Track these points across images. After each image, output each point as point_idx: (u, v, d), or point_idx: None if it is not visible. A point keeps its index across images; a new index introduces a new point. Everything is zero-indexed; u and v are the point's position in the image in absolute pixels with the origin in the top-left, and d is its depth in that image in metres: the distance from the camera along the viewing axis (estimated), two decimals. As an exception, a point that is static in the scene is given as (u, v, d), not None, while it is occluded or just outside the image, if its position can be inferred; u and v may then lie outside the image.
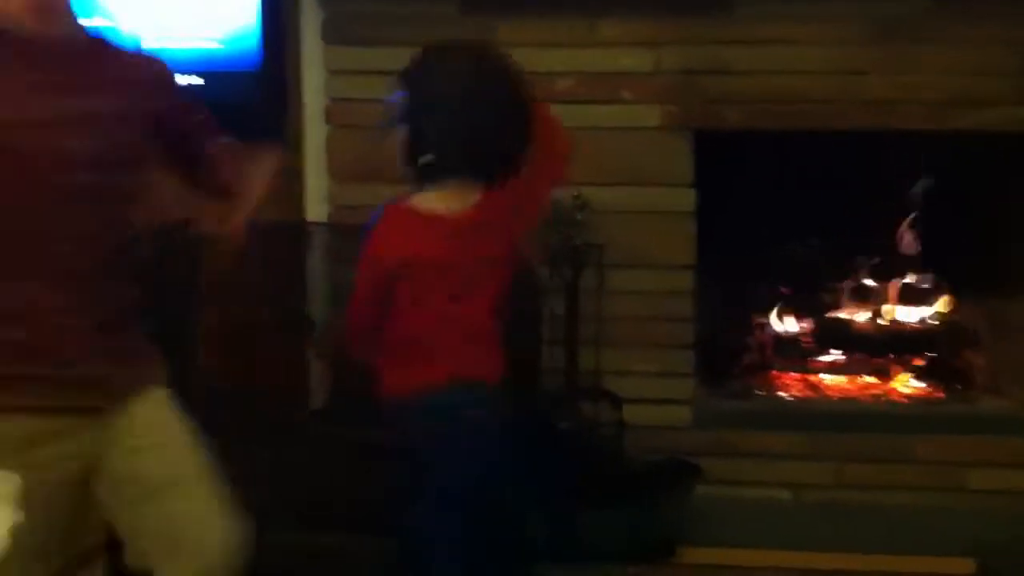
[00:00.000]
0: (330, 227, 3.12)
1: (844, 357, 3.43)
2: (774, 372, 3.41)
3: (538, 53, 2.96)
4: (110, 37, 1.88)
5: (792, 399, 3.28)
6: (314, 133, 3.15)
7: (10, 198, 1.66)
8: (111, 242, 1.78)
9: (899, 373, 3.37)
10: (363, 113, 3.06)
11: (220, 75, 3.05)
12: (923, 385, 3.33)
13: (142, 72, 1.85)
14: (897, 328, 3.41)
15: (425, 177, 2.14)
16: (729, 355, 3.37)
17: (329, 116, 3.10)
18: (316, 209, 3.16)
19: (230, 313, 2.94)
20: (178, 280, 2.84)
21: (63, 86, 1.71)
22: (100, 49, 1.82)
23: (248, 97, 3.06)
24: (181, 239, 2.54)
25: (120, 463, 1.82)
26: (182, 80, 3.05)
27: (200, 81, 3.06)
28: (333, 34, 3.07)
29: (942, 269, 3.37)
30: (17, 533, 1.70)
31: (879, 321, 3.43)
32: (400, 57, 2.99)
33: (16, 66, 1.69)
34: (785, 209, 3.23)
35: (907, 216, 3.36)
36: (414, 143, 2.15)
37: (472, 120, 2.08)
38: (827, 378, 3.40)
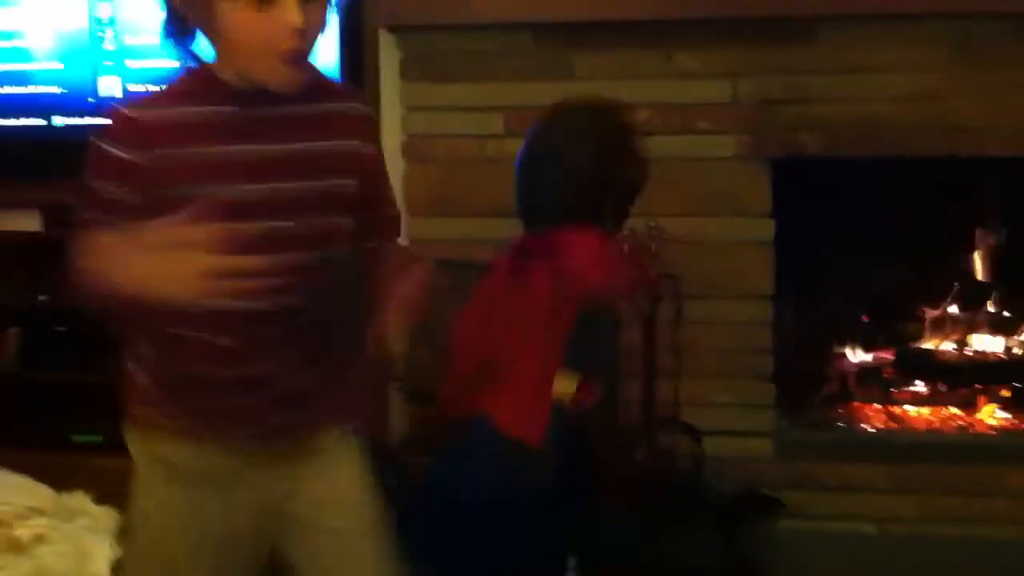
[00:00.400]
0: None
1: (927, 388, 3.38)
2: (855, 403, 3.36)
3: (614, 84, 2.98)
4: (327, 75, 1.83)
5: (875, 430, 3.24)
6: (392, 168, 3.18)
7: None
8: (326, 283, 1.74)
9: (985, 404, 3.31)
10: (440, 148, 3.12)
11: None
12: (1009, 416, 3.26)
13: (356, 113, 1.79)
14: (982, 358, 3.35)
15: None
16: (809, 386, 3.33)
17: (406, 151, 3.14)
18: (394, 243, 3.19)
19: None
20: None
21: (285, 134, 1.67)
22: (322, 89, 1.75)
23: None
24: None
25: (306, 510, 1.80)
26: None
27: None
28: (411, 71, 3.11)
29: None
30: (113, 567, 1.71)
31: (963, 350, 3.37)
32: (476, 92, 3.07)
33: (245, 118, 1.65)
34: (866, 237, 3.20)
35: (990, 243, 3.31)
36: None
37: (530, 175, 2.23)
38: (910, 409, 3.34)
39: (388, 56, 3.16)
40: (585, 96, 2.39)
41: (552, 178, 2.19)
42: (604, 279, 2.17)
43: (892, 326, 3.42)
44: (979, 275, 3.34)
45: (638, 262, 2.24)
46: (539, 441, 2.12)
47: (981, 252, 3.32)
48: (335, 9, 1.70)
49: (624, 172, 2.19)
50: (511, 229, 3.08)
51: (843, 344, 3.41)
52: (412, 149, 3.13)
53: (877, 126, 2.93)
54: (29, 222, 3.38)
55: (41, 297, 3.37)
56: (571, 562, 2.43)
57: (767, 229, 3.03)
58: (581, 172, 2.17)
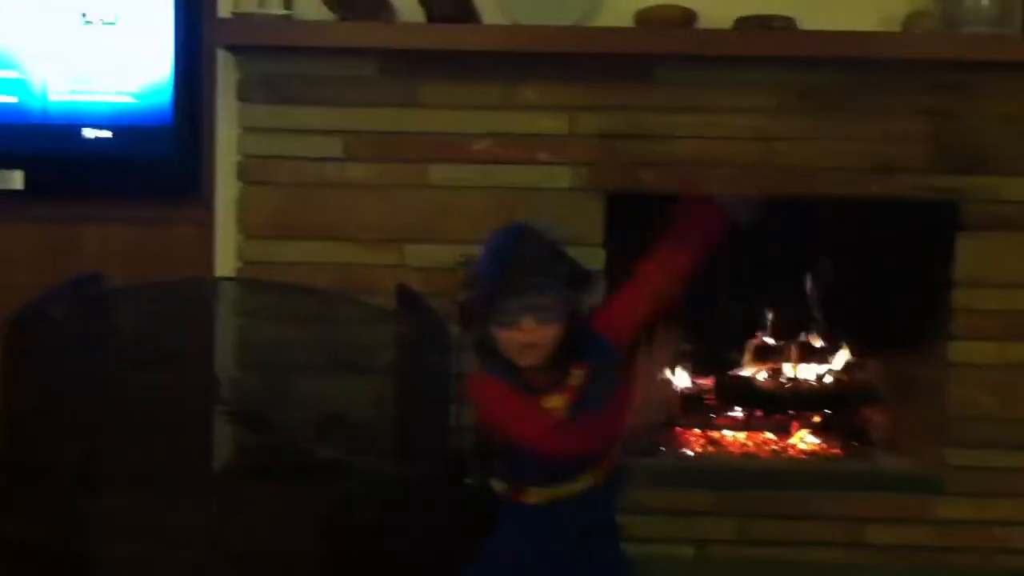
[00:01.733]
0: (239, 282, 3.10)
1: (745, 414, 3.51)
2: (678, 429, 3.47)
3: (456, 115, 3.01)
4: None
5: (696, 456, 3.34)
6: (227, 189, 3.13)
7: None
8: None
9: (798, 430, 3.46)
10: (278, 171, 3.07)
11: (133, 129, 3.04)
12: (819, 442, 3.40)
13: None
14: (798, 385, 3.50)
15: None
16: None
17: (242, 173, 3.08)
18: (228, 264, 3.13)
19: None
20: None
21: None
22: None
23: (161, 152, 3.05)
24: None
25: None
26: (92, 133, 3.06)
27: (111, 135, 3.04)
28: (249, 92, 3.05)
29: (843, 328, 3.47)
30: None
31: (779, 379, 3.51)
32: (317, 116, 3.04)
33: None
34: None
35: (812, 277, 3.46)
36: None
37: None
38: (729, 435, 3.47)
39: (226, 75, 3.10)
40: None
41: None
42: None
43: (715, 354, 3.54)
44: (801, 307, 3.49)
45: None
46: None
47: (804, 286, 3.47)
48: None
49: None
50: (348, 254, 3.09)
51: (668, 371, 3.52)
52: (249, 170, 3.07)
53: (710, 164, 3.01)
54: None
55: None
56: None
57: (598, 259, 3.09)
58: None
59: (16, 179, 3.11)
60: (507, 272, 2.08)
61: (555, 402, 2.11)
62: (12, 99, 3.08)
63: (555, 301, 2.08)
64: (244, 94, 3.05)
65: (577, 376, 2.13)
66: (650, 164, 3.03)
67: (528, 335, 2.06)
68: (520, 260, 2.09)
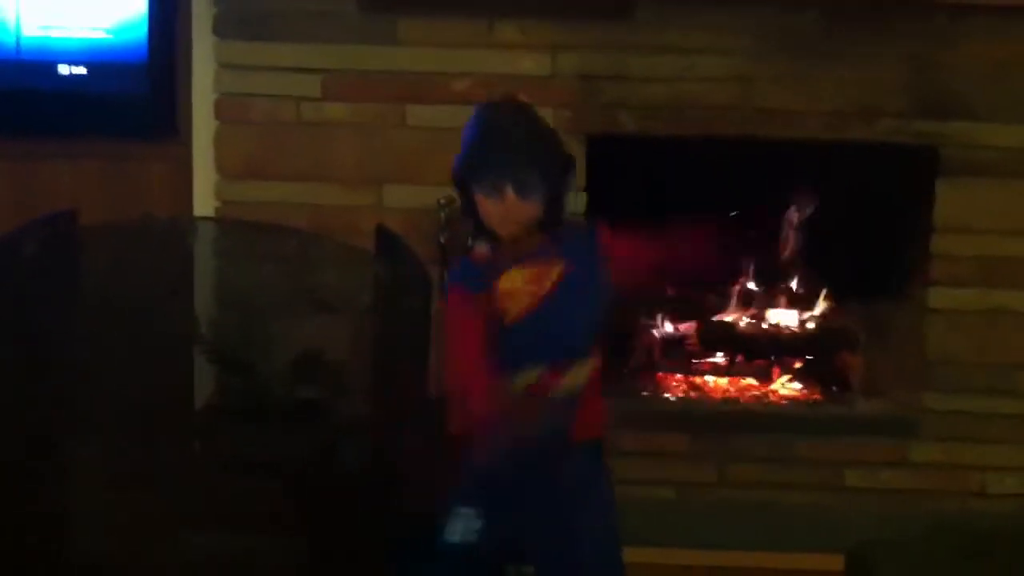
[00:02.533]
0: (217, 222, 3.08)
1: (726, 359, 3.51)
2: (660, 374, 3.47)
3: (436, 53, 2.98)
4: None
5: (676, 399, 3.35)
6: (203, 127, 3.10)
7: None
8: None
9: (779, 375, 3.47)
10: (253, 108, 3.04)
11: (107, 66, 3.00)
12: (801, 387, 3.42)
13: None
14: (778, 331, 3.50)
15: None
16: (616, 357, 3.41)
17: (219, 111, 3.05)
18: (205, 204, 3.10)
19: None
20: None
21: None
22: None
23: (136, 89, 3.01)
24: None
25: None
26: (66, 70, 3.03)
27: (85, 72, 3.00)
28: (225, 28, 3.01)
29: (824, 274, 3.47)
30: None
31: (761, 324, 3.51)
32: (294, 53, 3.01)
33: None
34: (676, 214, 3.29)
35: (793, 222, 3.45)
36: None
37: None
38: (710, 379, 3.48)
39: (202, 12, 3.04)
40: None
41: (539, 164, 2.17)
42: None
43: (697, 300, 3.53)
44: (784, 253, 3.49)
45: None
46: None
47: (786, 231, 3.47)
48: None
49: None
50: (326, 195, 3.07)
51: (650, 317, 3.52)
52: (226, 109, 3.04)
53: (691, 107, 3.00)
54: None
55: None
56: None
57: (579, 203, 3.07)
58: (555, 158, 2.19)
59: (-9, 115, 3.08)
60: (493, 143, 2.09)
61: (516, 278, 2.09)
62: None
63: (537, 179, 2.06)
64: (220, 30, 3.01)
65: (556, 272, 2.10)
66: (630, 107, 3.02)
67: (510, 208, 2.05)
68: (506, 133, 2.10)
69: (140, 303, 2.88)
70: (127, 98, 3.03)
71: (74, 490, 2.83)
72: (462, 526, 2.20)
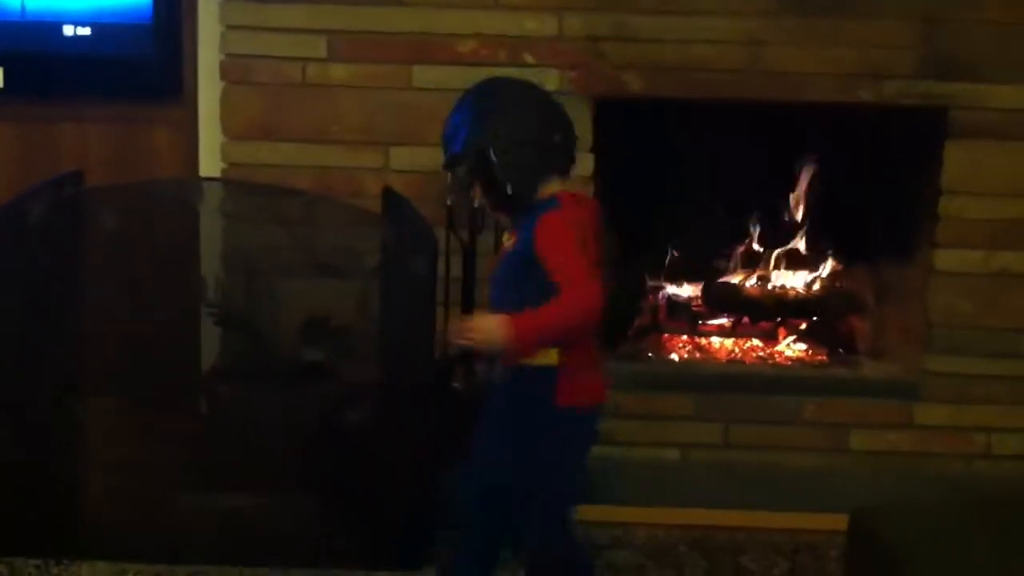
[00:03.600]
0: (224, 184, 3.08)
1: (731, 320, 3.52)
2: (665, 335, 3.48)
3: (442, 14, 2.96)
4: None
5: (681, 361, 3.35)
6: (209, 89, 3.09)
7: None
8: None
9: (784, 336, 3.47)
10: (259, 70, 3.03)
11: (112, 27, 2.99)
12: (806, 349, 3.42)
13: None
14: (784, 293, 3.49)
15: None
16: (622, 318, 3.42)
17: (224, 72, 3.04)
18: (211, 166, 3.10)
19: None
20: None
21: None
22: None
23: (141, 50, 3.01)
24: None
25: None
26: (71, 31, 3.02)
27: (89, 32, 2.99)
28: (230, -12, 3.00)
29: (832, 237, 3.46)
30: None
31: (766, 286, 3.51)
32: (299, 14, 2.99)
33: None
34: (682, 176, 3.30)
35: (800, 184, 3.44)
36: None
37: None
38: (716, 341, 3.48)
39: (208, -28, 3.05)
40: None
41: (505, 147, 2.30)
42: None
43: (702, 262, 3.53)
44: (792, 214, 3.48)
45: None
46: None
47: (795, 193, 3.46)
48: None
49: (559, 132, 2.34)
50: (331, 156, 3.07)
51: (655, 279, 3.52)
52: (231, 70, 3.02)
53: (698, 68, 2.98)
54: None
55: None
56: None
57: (587, 164, 3.06)
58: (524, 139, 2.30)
59: (-2, 76, 3.08)
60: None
61: (505, 241, 2.35)
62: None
63: (464, 172, 2.30)
64: (225, -9, 3.00)
65: (511, 242, 2.30)
66: (637, 68, 3.00)
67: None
68: (444, 133, 2.34)
69: (146, 265, 2.90)
70: (132, 59, 3.03)
71: (84, 451, 2.85)
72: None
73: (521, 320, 2.14)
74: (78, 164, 2.94)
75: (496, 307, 2.26)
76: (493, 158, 2.23)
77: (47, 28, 3.03)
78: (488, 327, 2.18)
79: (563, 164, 2.31)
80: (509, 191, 2.25)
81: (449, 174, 2.40)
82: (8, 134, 3.17)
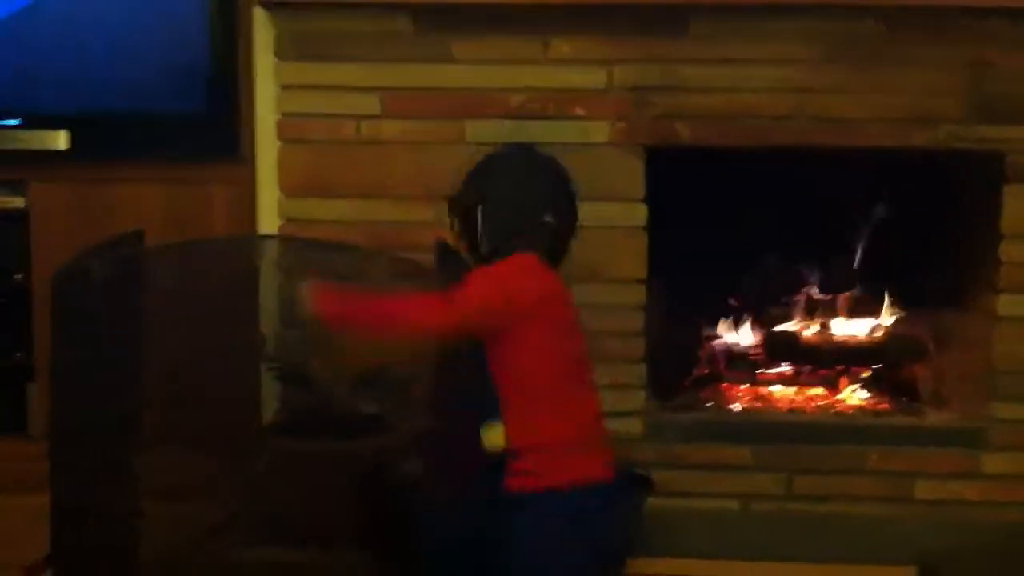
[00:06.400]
0: (281, 240, 3.13)
1: (792, 369, 3.48)
2: (724, 385, 3.45)
3: (491, 70, 3.01)
4: None
5: (741, 411, 3.32)
6: (267, 148, 3.16)
7: None
8: None
9: (846, 385, 3.42)
10: (315, 128, 3.09)
11: (170, 89, 3.08)
12: (869, 396, 3.37)
13: None
14: (845, 341, 3.46)
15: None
16: (680, 368, 3.40)
17: (281, 131, 3.11)
18: (268, 223, 3.16)
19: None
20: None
21: None
22: None
23: (198, 110, 3.09)
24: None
25: None
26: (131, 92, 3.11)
27: (148, 93, 3.08)
28: (286, 49, 3.07)
29: (891, 283, 3.42)
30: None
31: (826, 333, 3.47)
32: (353, 73, 3.05)
33: None
34: (738, 224, 3.28)
35: (857, 231, 3.42)
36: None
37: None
38: (776, 390, 3.45)
39: (262, 34, 3.12)
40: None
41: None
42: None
43: (761, 310, 3.51)
44: (847, 263, 3.45)
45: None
46: None
47: (850, 240, 3.43)
48: None
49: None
50: (385, 211, 3.11)
51: (713, 328, 3.51)
52: (287, 129, 3.09)
53: (748, 116, 2.99)
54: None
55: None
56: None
57: (639, 214, 3.08)
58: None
59: (61, 139, 3.16)
60: None
61: None
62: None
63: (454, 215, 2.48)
64: (280, 51, 3.07)
65: None
66: (687, 117, 3.01)
67: None
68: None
69: (206, 321, 2.94)
70: (190, 119, 3.11)
71: (143, 500, 2.89)
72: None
73: (334, 290, 2.24)
74: (137, 223, 3.00)
75: None
76: (478, 215, 2.33)
77: (109, 90, 3.11)
78: (304, 293, 2.25)
79: (546, 245, 2.35)
80: (482, 249, 2.36)
81: None
82: (71, 193, 3.24)
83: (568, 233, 2.40)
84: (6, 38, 3.15)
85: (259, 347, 3.08)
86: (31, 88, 3.15)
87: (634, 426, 3.14)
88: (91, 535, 2.76)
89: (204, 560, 2.78)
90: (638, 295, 3.11)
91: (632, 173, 3.05)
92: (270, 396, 3.13)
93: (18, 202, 3.25)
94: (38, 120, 3.16)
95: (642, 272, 3.10)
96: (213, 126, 3.11)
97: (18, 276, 3.27)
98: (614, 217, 3.06)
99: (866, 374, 3.43)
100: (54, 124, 3.15)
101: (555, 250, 2.38)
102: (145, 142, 3.11)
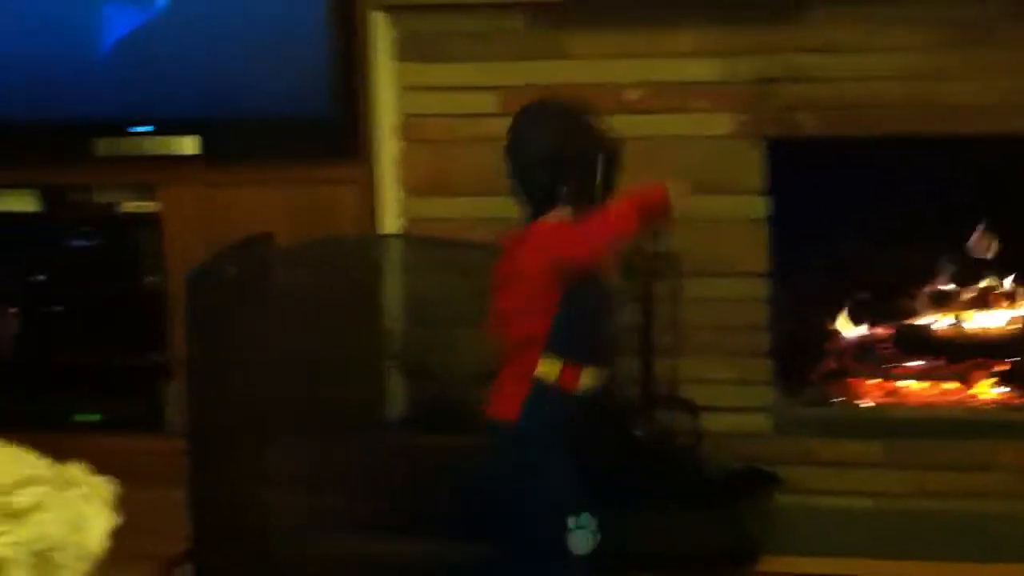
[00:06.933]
0: (405, 239, 3.17)
1: (923, 363, 3.39)
2: (852, 379, 3.38)
3: (607, 64, 3.01)
4: None
5: (871, 406, 3.26)
6: (387, 148, 3.21)
7: None
8: None
9: (979, 379, 3.32)
10: (436, 128, 3.13)
11: (294, 92, 3.15)
12: (1004, 390, 3.27)
13: None
14: (976, 333, 3.36)
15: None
16: (807, 362, 3.35)
17: (403, 131, 3.15)
18: (391, 223, 3.21)
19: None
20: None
21: None
22: None
23: (320, 114, 3.15)
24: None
25: None
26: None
27: (274, 96, 3.15)
28: (404, 51, 3.12)
29: (1019, 272, 3.32)
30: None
31: (958, 326, 3.38)
32: (470, 72, 3.08)
33: None
34: (864, 215, 3.22)
35: (985, 219, 3.32)
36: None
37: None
38: (906, 385, 3.37)
39: (381, 37, 3.16)
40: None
41: (517, 168, 2.45)
42: (563, 253, 2.33)
43: (889, 303, 3.43)
44: (978, 252, 3.35)
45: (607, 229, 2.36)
46: (515, 417, 2.31)
47: (980, 229, 3.34)
48: None
49: (571, 148, 2.38)
50: (508, 208, 3.11)
51: (841, 321, 3.44)
52: (408, 129, 3.15)
53: (871, 106, 2.94)
54: (28, 202, 3.42)
55: (39, 277, 3.42)
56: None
57: (761, 207, 3.04)
58: (532, 159, 2.41)
59: (191, 144, 3.27)
60: None
61: None
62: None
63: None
64: (398, 53, 3.12)
65: None
66: (809, 108, 2.97)
67: None
68: None
69: (333, 318, 3.00)
70: (313, 122, 3.17)
71: (274, 492, 2.96)
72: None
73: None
74: (264, 224, 3.08)
75: None
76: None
77: (235, 96, 3.20)
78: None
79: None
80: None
81: None
82: (200, 197, 3.32)
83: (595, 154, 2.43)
84: (137, 48, 3.27)
85: (384, 343, 3.13)
86: (161, 96, 3.25)
87: (763, 422, 3.11)
88: (226, 527, 2.84)
89: (332, 551, 2.84)
90: (762, 288, 3.08)
91: (752, 165, 3.02)
92: (394, 391, 3.18)
93: (151, 206, 3.36)
94: (169, 126, 3.27)
95: (765, 265, 3.07)
96: (335, 128, 3.16)
97: (152, 278, 3.38)
98: (735, 210, 3.04)
99: (1000, 367, 3.33)
100: (184, 130, 3.25)
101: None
102: (270, 145, 3.19)
